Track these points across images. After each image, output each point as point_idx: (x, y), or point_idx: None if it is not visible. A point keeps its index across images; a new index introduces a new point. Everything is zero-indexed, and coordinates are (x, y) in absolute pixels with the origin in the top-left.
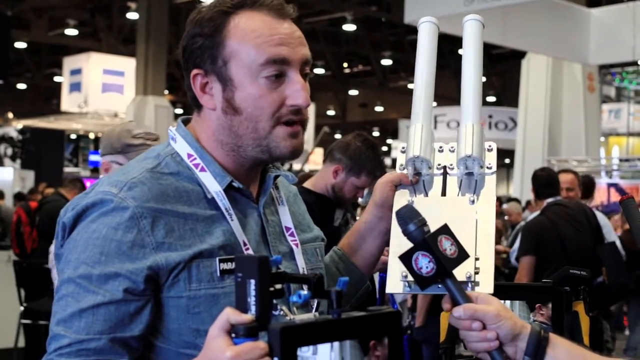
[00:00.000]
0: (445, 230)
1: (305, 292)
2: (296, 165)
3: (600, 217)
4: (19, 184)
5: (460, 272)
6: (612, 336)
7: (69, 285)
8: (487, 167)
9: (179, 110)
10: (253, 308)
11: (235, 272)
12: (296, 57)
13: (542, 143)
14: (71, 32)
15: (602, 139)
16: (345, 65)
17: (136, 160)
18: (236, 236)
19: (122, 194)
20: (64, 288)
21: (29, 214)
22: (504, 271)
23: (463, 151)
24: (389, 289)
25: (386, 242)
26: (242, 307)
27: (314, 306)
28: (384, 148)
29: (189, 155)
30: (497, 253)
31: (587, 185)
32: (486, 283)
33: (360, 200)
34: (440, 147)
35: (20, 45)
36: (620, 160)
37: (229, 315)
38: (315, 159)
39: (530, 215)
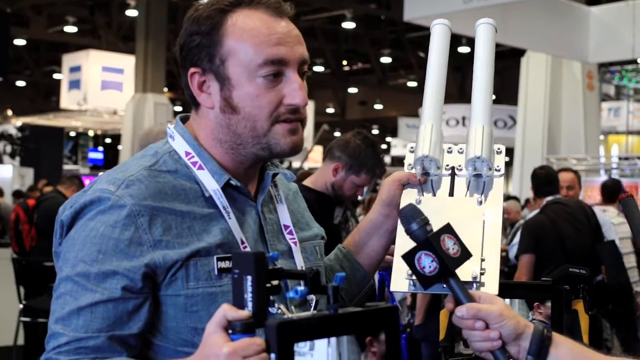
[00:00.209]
0: (448, 229)
1: (301, 288)
2: (295, 163)
3: (600, 215)
4: (18, 181)
5: (466, 273)
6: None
7: (67, 283)
8: (496, 170)
9: (178, 108)
10: (250, 304)
11: (232, 269)
12: (294, 56)
13: (541, 141)
14: (70, 29)
15: (602, 137)
16: (344, 63)
17: (134, 158)
18: (234, 234)
19: (120, 191)
20: (62, 286)
21: (27, 211)
22: (503, 269)
23: (472, 152)
24: (393, 287)
25: (392, 241)
26: (239, 304)
27: (312, 305)
28: (383, 146)
29: (187, 153)
30: None
31: (612, 189)
32: (491, 284)
33: (360, 198)
34: (450, 148)
35: (19, 42)
36: (620, 158)
37: (226, 311)
38: (315, 156)
39: (530, 214)
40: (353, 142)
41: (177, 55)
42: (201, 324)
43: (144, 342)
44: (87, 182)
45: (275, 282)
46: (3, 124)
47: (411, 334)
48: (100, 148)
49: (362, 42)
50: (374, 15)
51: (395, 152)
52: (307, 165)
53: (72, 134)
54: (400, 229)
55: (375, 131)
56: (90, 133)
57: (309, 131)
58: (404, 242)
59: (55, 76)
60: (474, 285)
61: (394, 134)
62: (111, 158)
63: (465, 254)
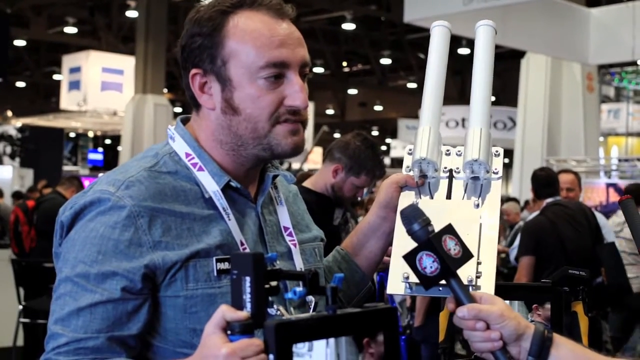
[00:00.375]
0: (449, 230)
1: (300, 288)
2: (295, 165)
3: (600, 217)
4: (18, 182)
5: (462, 276)
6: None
7: (67, 284)
8: (494, 172)
9: (178, 109)
10: (248, 305)
11: (231, 270)
12: (295, 58)
13: (541, 143)
14: (70, 30)
15: (601, 139)
16: (344, 64)
17: (135, 159)
18: (233, 236)
19: (120, 192)
20: (62, 287)
21: (26, 213)
22: (503, 271)
23: (470, 155)
24: (389, 290)
25: (389, 243)
26: (238, 305)
27: (311, 306)
28: (383, 147)
29: (187, 155)
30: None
31: (638, 193)
32: (487, 287)
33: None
34: (447, 150)
35: (19, 43)
36: (619, 160)
37: (225, 312)
38: (315, 158)
39: (529, 215)
40: (353, 144)
41: (179, 57)
42: (200, 325)
43: (143, 343)
44: (86, 183)
45: (274, 283)
46: (3, 124)
47: (411, 336)
48: (100, 149)
49: (362, 44)
50: (374, 17)
51: (395, 153)
52: (306, 167)
53: (72, 134)
54: (398, 231)
55: (375, 132)
56: (90, 134)
57: (308, 132)
58: (401, 245)
59: (55, 77)
60: (470, 288)
61: (394, 135)
62: (111, 159)
63: (466, 255)
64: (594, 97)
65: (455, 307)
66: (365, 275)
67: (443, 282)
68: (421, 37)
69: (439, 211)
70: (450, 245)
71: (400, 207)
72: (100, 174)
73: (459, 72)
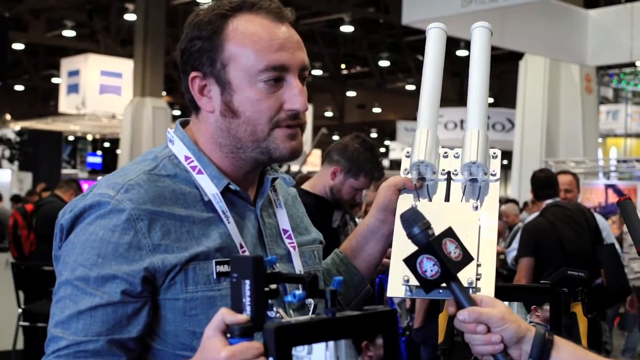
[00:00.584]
0: (449, 233)
1: (300, 292)
2: (294, 167)
3: (599, 218)
4: (16, 185)
5: (462, 278)
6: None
7: (67, 287)
8: (492, 174)
9: (177, 112)
10: (248, 308)
11: (231, 273)
12: (295, 62)
13: (539, 144)
14: (69, 33)
15: (600, 140)
16: (343, 66)
17: (134, 163)
18: (233, 238)
19: (119, 196)
20: (62, 290)
21: (25, 217)
22: (502, 272)
23: (468, 157)
24: (390, 293)
25: (388, 246)
26: (237, 308)
27: (311, 309)
28: (382, 149)
29: (186, 158)
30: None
31: None
32: (487, 289)
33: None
34: (445, 152)
35: (17, 46)
36: (618, 161)
37: (224, 315)
38: (313, 160)
39: (528, 217)
40: (351, 146)
41: (178, 60)
42: (200, 327)
43: (143, 345)
44: (85, 186)
45: (273, 286)
46: (1, 128)
47: (410, 337)
48: (99, 152)
49: (360, 46)
50: (372, 19)
51: (393, 155)
52: (305, 169)
53: (71, 138)
54: (397, 234)
55: (373, 134)
56: (89, 137)
57: (307, 135)
58: (400, 247)
59: (54, 80)
60: (470, 290)
61: (393, 137)
62: (110, 162)
63: (466, 258)
64: (593, 98)
65: (456, 310)
66: (364, 277)
67: (444, 285)
68: (420, 39)
69: (437, 213)
70: (451, 248)
71: (398, 210)
72: (99, 177)
73: (457, 74)
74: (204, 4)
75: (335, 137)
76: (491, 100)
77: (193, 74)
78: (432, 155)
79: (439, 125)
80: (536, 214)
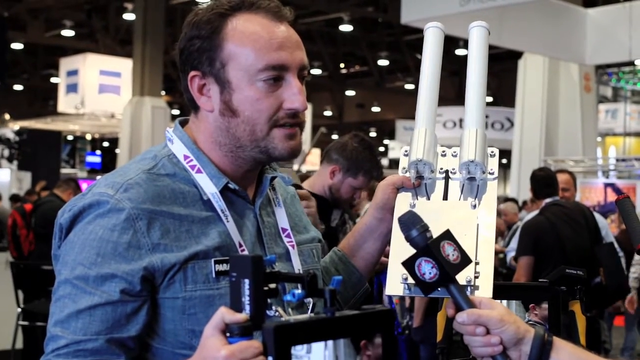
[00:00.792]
0: (447, 235)
1: (299, 291)
2: (293, 166)
3: (599, 217)
4: (15, 185)
5: (460, 276)
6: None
7: (66, 286)
8: (489, 173)
9: (176, 112)
10: (247, 307)
11: (230, 272)
12: (294, 61)
13: (538, 143)
14: (68, 33)
15: (599, 139)
16: (342, 65)
17: (133, 162)
18: (232, 237)
19: (119, 195)
20: (61, 289)
21: (24, 216)
22: (502, 271)
23: (466, 156)
24: (388, 291)
25: (386, 245)
26: (237, 307)
27: (310, 308)
28: (381, 148)
29: (185, 157)
30: (494, 253)
31: None
32: (485, 287)
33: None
34: (443, 151)
35: (16, 46)
36: (617, 160)
37: (224, 314)
38: (312, 159)
39: (527, 215)
40: (350, 145)
41: (177, 59)
42: (199, 326)
43: (142, 344)
44: (84, 185)
45: (272, 286)
46: (1, 128)
47: (409, 336)
48: (98, 152)
49: (359, 45)
50: (371, 18)
51: (393, 154)
52: (304, 168)
53: (70, 137)
54: (396, 233)
55: (372, 134)
56: (88, 137)
57: (306, 134)
58: (399, 246)
59: (53, 80)
60: (469, 288)
61: (392, 136)
62: (109, 162)
63: (465, 260)
64: (592, 97)
65: (455, 312)
66: (363, 276)
67: None
68: (418, 39)
69: (436, 212)
70: (449, 251)
71: (397, 208)
72: (98, 177)
73: (456, 73)
74: (203, 3)
75: (334, 137)
76: (490, 99)
77: (192, 73)
78: (430, 153)
79: (438, 124)
80: (535, 212)
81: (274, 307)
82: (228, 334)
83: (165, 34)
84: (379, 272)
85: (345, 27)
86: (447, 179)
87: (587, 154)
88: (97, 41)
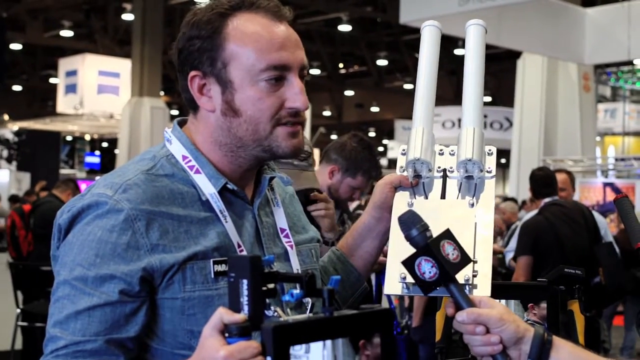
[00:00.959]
0: (447, 235)
1: (297, 291)
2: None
3: (598, 217)
4: (15, 186)
5: (458, 276)
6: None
7: (65, 287)
8: (487, 171)
9: (175, 112)
10: (246, 308)
11: (228, 272)
12: (295, 61)
13: (537, 143)
14: (66, 33)
15: (598, 138)
16: (340, 65)
17: (132, 162)
18: (230, 238)
19: (117, 196)
20: (60, 290)
21: (22, 217)
22: (500, 271)
23: (463, 154)
24: (387, 291)
25: (385, 243)
26: (235, 307)
27: (308, 307)
28: (380, 148)
29: (184, 157)
30: (493, 253)
31: None
32: (484, 286)
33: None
34: (441, 150)
35: (15, 46)
36: (616, 159)
37: (222, 315)
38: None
39: (526, 215)
40: (349, 145)
41: (175, 60)
42: (198, 326)
43: (142, 345)
44: (83, 186)
45: (271, 286)
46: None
47: (409, 336)
48: (97, 152)
49: (358, 45)
50: (370, 18)
51: (392, 154)
52: None
53: (69, 138)
54: (394, 232)
55: (371, 134)
56: (87, 137)
57: (305, 134)
58: (397, 246)
59: (52, 80)
60: (467, 287)
61: (391, 136)
62: (108, 162)
63: (465, 259)
64: (591, 96)
65: (455, 311)
66: (361, 275)
67: None
68: (417, 38)
69: (434, 211)
70: (449, 250)
71: (395, 207)
72: (97, 177)
73: (455, 73)
74: (200, 3)
75: (333, 136)
76: (489, 99)
77: (192, 73)
78: (427, 152)
79: (437, 124)
80: (534, 212)
81: (272, 307)
82: (227, 335)
83: (164, 34)
84: (379, 272)
85: (344, 27)
86: (444, 177)
87: (586, 153)
88: (95, 41)
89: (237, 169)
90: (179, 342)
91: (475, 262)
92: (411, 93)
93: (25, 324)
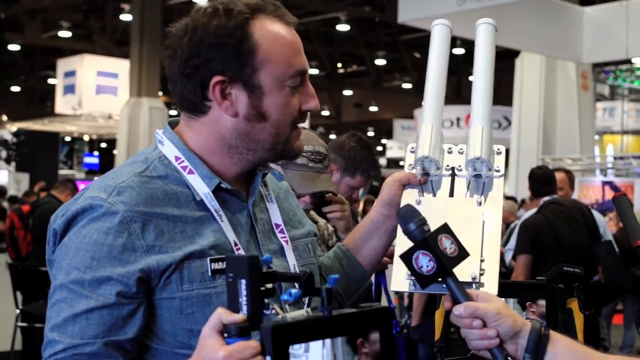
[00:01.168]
0: (445, 229)
1: (295, 290)
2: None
3: (597, 215)
4: (13, 186)
5: (465, 273)
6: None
7: (62, 290)
8: (496, 170)
9: (173, 112)
10: (244, 308)
11: (226, 273)
12: (307, 65)
13: (536, 142)
14: (65, 34)
15: (597, 137)
16: (339, 65)
17: (125, 164)
18: (226, 236)
19: (112, 198)
20: (57, 294)
21: (21, 218)
22: (501, 270)
23: (472, 153)
24: (394, 287)
25: (391, 241)
26: (234, 307)
27: (306, 302)
28: (379, 148)
29: (177, 158)
30: None
31: None
32: (491, 284)
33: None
34: (450, 148)
35: (13, 47)
36: (615, 158)
37: (221, 315)
38: None
39: (526, 214)
40: (348, 144)
41: (179, 62)
42: (197, 325)
43: (141, 345)
44: (82, 186)
45: (269, 285)
46: None
47: (408, 335)
48: (96, 153)
49: (356, 45)
50: (368, 18)
51: (390, 153)
52: None
53: (68, 138)
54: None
55: (370, 133)
56: (86, 138)
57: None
58: (404, 242)
59: (50, 81)
60: (474, 285)
61: (390, 135)
62: (107, 162)
63: (462, 253)
64: (589, 95)
65: (452, 305)
66: (366, 272)
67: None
68: (416, 38)
69: (442, 209)
70: (446, 244)
71: (402, 205)
72: (96, 178)
73: (454, 72)
74: (198, 3)
75: (332, 136)
76: None
77: (216, 78)
78: (436, 150)
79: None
80: (534, 210)
81: (270, 306)
82: (226, 335)
83: (162, 34)
84: (378, 272)
85: (343, 27)
86: (453, 176)
87: (584, 152)
88: (94, 42)
89: (237, 170)
90: (179, 342)
91: (482, 260)
92: (410, 92)
93: (24, 324)
